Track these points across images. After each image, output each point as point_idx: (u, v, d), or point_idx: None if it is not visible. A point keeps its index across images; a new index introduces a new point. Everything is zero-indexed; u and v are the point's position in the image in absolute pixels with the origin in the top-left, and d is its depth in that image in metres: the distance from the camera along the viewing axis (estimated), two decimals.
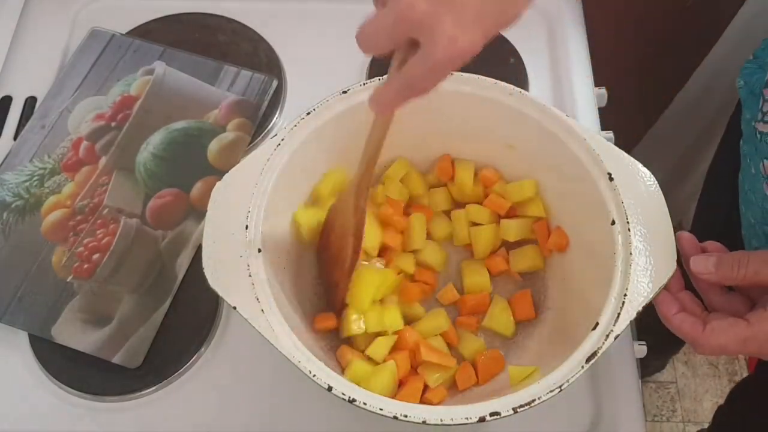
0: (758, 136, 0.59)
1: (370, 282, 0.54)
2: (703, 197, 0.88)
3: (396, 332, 0.55)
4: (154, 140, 0.68)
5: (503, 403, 0.42)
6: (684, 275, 0.48)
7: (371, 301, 0.54)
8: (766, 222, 0.61)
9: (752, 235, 0.65)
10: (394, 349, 0.54)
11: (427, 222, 0.59)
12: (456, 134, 0.59)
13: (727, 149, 0.75)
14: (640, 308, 0.45)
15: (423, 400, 0.52)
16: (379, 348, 0.53)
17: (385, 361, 0.53)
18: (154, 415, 0.57)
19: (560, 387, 0.43)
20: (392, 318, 0.54)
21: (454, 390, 0.54)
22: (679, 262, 0.47)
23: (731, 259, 0.45)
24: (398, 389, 0.52)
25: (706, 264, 0.46)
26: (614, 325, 0.45)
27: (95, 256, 0.62)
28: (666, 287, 0.47)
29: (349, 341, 0.56)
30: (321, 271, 0.58)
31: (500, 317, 0.56)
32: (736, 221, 0.69)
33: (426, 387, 0.53)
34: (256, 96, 0.71)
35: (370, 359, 0.53)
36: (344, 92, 0.54)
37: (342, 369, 0.53)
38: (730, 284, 0.46)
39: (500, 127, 0.56)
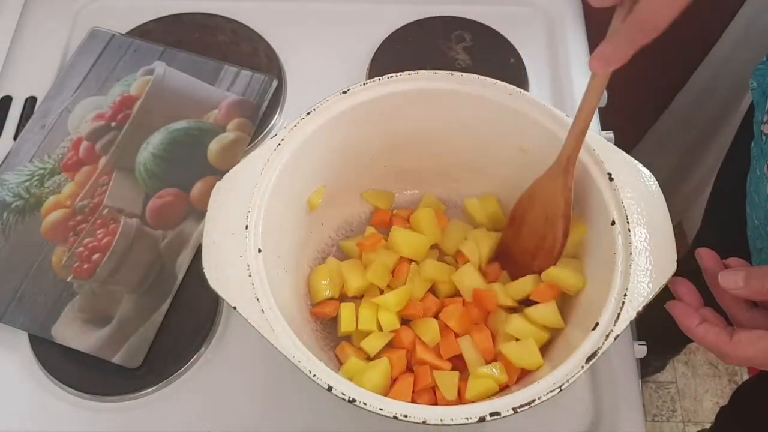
0: (763, 137, 0.59)
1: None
2: (713, 198, 0.88)
3: (392, 330, 0.55)
4: (154, 140, 0.68)
5: (503, 403, 0.42)
6: (703, 291, 0.48)
7: (357, 290, 0.56)
8: None
9: (756, 236, 0.65)
10: (391, 347, 0.54)
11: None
12: (457, 137, 0.59)
13: (738, 151, 0.75)
14: (640, 308, 0.45)
15: (414, 398, 0.52)
16: (372, 341, 0.53)
17: (380, 357, 0.53)
18: (154, 415, 0.57)
19: (560, 387, 0.43)
20: (387, 318, 0.54)
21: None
22: (699, 277, 0.47)
23: (760, 273, 0.44)
24: (392, 386, 0.52)
25: (735, 279, 0.45)
26: (614, 325, 0.45)
27: (95, 256, 0.62)
28: (684, 300, 0.46)
29: (349, 339, 0.56)
30: (508, 267, 0.57)
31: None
32: (745, 223, 0.69)
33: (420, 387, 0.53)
34: (256, 96, 0.71)
35: (367, 357, 0.53)
36: (344, 92, 0.54)
37: (341, 365, 0.53)
38: (758, 299, 0.45)
39: (499, 128, 0.56)
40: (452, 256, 0.60)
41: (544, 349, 0.53)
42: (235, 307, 0.45)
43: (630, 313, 0.45)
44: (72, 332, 0.59)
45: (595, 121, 0.72)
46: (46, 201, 0.65)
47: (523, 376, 0.52)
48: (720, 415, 0.95)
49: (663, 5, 0.38)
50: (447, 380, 0.52)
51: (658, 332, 0.85)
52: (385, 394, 0.49)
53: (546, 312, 0.53)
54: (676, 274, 0.47)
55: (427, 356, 0.53)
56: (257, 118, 0.70)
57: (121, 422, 0.57)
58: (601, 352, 0.44)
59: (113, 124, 0.69)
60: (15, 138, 0.70)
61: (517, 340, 0.53)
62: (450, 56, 0.75)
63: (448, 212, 0.63)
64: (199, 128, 0.69)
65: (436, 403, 0.52)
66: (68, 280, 0.61)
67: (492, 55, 0.75)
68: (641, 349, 0.62)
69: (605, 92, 0.73)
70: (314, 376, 0.43)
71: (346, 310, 0.55)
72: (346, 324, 0.55)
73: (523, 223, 0.56)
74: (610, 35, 0.42)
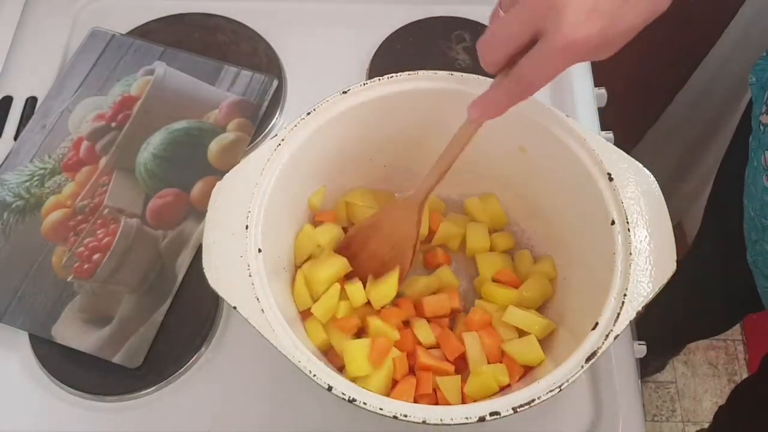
0: (761, 128, 0.59)
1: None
2: (713, 194, 0.88)
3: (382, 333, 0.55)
4: (155, 140, 0.68)
5: (503, 403, 0.42)
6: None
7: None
8: (765, 215, 0.61)
9: (752, 227, 0.66)
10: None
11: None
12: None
13: (738, 146, 0.75)
14: (640, 308, 0.45)
15: (415, 401, 0.52)
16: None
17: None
18: (154, 415, 0.57)
19: (560, 387, 0.43)
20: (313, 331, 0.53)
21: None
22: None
23: None
24: (394, 387, 0.52)
25: None
26: (614, 325, 0.45)
27: (95, 256, 0.62)
28: None
29: None
30: (354, 265, 0.57)
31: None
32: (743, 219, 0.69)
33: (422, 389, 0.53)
34: (256, 96, 0.71)
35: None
36: (344, 92, 0.54)
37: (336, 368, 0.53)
38: None
39: (499, 128, 0.56)
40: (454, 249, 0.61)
41: (546, 348, 0.53)
42: (235, 307, 0.45)
43: (630, 313, 0.45)
44: (72, 332, 0.59)
45: (595, 121, 0.72)
46: (46, 201, 0.65)
47: (524, 375, 0.52)
48: (718, 414, 0.95)
49: (541, 66, 0.40)
50: (450, 385, 0.52)
51: (658, 332, 0.85)
52: (387, 395, 0.49)
53: (535, 286, 0.56)
54: (676, 274, 0.47)
55: (430, 361, 0.53)
56: (257, 118, 0.70)
57: (121, 422, 0.57)
58: (600, 352, 0.44)
59: (113, 124, 0.69)
60: (15, 138, 0.70)
61: (519, 336, 0.53)
62: (450, 56, 0.75)
63: (448, 212, 0.63)
64: (200, 128, 0.69)
65: (436, 404, 0.52)
66: (68, 280, 0.61)
67: None
68: (641, 349, 0.62)
69: (605, 92, 0.74)
70: (314, 376, 0.43)
71: (311, 324, 0.54)
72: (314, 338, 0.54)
73: (363, 249, 0.57)
74: (494, 85, 0.44)
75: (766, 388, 0.81)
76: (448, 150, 0.51)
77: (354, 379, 0.49)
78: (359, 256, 0.57)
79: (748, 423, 0.83)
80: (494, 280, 0.58)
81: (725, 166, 0.83)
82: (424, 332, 0.55)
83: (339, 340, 0.53)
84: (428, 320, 0.56)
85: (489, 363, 0.53)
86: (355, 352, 0.51)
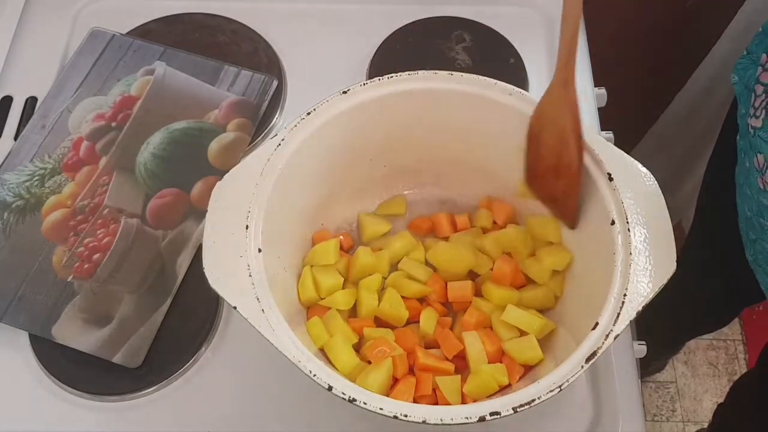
0: (751, 131, 0.60)
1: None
2: (703, 192, 0.88)
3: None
4: (155, 140, 0.68)
5: (503, 403, 0.42)
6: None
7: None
8: (761, 215, 0.62)
9: (749, 227, 0.66)
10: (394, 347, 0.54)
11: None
12: (457, 137, 0.59)
13: (725, 144, 0.76)
14: (640, 308, 0.45)
15: (416, 400, 0.52)
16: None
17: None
18: (154, 415, 0.57)
19: (560, 387, 0.43)
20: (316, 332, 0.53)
21: None
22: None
23: None
24: (394, 387, 0.52)
25: None
26: (614, 325, 0.45)
27: (95, 256, 0.62)
28: None
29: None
30: (541, 196, 0.56)
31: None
32: (735, 215, 0.70)
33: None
34: (256, 96, 0.71)
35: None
36: (344, 92, 0.54)
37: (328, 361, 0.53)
38: None
39: (499, 128, 0.56)
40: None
41: (546, 347, 0.53)
42: (235, 307, 0.45)
43: (630, 313, 0.45)
44: (72, 332, 0.59)
45: (595, 121, 0.72)
46: (46, 201, 0.65)
47: (524, 374, 0.52)
48: (717, 412, 0.95)
49: None
50: (450, 385, 0.52)
51: (657, 332, 0.85)
52: (387, 395, 0.49)
53: (538, 297, 0.55)
54: (675, 272, 0.47)
55: (429, 361, 0.53)
56: (257, 118, 0.70)
57: (121, 422, 0.57)
58: (600, 351, 0.44)
59: (114, 124, 0.69)
60: (15, 138, 0.70)
61: (519, 336, 0.53)
62: (450, 56, 0.75)
63: (447, 211, 0.63)
64: (200, 128, 0.69)
65: (436, 404, 0.52)
66: (69, 280, 0.61)
67: (492, 55, 0.75)
68: (641, 349, 0.62)
69: (605, 92, 0.74)
70: (314, 375, 0.43)
71: (314, 328, 0.53)
72: (317, 340, 0.53)
73: (540, 143, 0.54)
74: None
75: (764, 382, 0.81)
76: (566, 14, 0.51)
77: (354, 379, 0.50)
78: (540, 151, 0.54)
79: (747, 418, 0.83)
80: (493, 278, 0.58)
81: (714, 162, 0.84)
82: (429, 320, 0.55)
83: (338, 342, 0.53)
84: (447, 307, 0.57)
85: (489, 363, 0.53)
86: (338, 347, 0.51)
